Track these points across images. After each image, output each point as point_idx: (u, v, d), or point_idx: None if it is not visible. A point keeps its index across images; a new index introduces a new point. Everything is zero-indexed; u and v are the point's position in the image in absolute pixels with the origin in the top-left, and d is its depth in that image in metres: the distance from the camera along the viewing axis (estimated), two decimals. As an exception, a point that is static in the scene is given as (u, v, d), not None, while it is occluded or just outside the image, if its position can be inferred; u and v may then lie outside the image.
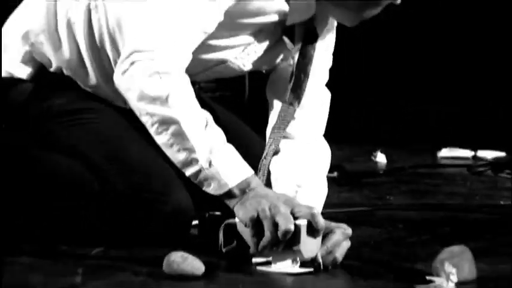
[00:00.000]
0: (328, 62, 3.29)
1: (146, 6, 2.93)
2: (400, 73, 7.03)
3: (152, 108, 2.81)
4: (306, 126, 3.18)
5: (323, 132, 3.23)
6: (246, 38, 3.06)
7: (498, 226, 3.49)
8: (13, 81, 3.22)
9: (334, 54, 3.31)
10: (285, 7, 3.02)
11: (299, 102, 3.12)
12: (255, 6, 2.94)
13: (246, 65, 3.17)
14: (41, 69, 3.19)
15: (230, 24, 2.96)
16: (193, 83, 2.93)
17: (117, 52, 3.06)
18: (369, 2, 2.98)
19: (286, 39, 3.08)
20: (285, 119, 3.12)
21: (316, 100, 3.22)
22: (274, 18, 3.03)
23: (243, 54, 3.11)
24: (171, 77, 2.83)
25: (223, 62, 3.08)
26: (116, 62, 3.03)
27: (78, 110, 3.13)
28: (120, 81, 2.86)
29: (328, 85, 3.28)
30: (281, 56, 3.21)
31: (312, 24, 3.09)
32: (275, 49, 3.16)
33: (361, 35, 4.48)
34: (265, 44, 3.12)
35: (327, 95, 3.26)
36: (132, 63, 2.83)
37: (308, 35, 3.10)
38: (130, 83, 2.84)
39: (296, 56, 3.13)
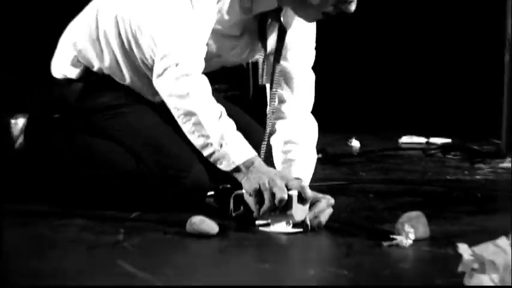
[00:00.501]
0: (310, 48, 3.21)
1: (162, 17, 2.94)
2: (370, 73, 7.00)
3: (178, 103, 2.85)
4: (295, 106, 3.16)
5: (311, 109, 3.19)
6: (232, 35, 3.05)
7: (446, 196, 3.48)
8: (66, 81, 3.22)
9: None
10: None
11: (272, 85, 3.11)
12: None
13: (236, 57, 3.17)
14: (86, 70, 3.18)
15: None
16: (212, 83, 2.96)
17: (142, 52, 3.07)
18: (312, 17, 2.97)
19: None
20: (272, 106, 3.12)
21: (303, 82, 3.18)
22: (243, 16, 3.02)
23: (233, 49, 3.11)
24: (191, 78, 2.85)
25: (218, 55, 3.07)
26: (142, 61, 3.09)
27: (117, 105, 3.14)
28: (156, 83, 2.90)
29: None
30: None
31: (279, 19, 3.05)
32: (255, 44, 3.13)
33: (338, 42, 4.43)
34: (247, 40, 3.10)
35: (312, 76, 3.21)
36: (164, 69, 2.86)
37: (279, 30, 3.07)
38: (163, 85, 2.88)
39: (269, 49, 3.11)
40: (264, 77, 3.10)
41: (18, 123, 3.25)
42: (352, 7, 2.86)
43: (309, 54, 3.21)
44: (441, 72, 6.86)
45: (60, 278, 2.23)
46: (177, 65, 2.85)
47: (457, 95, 6.48)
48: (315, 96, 3.24)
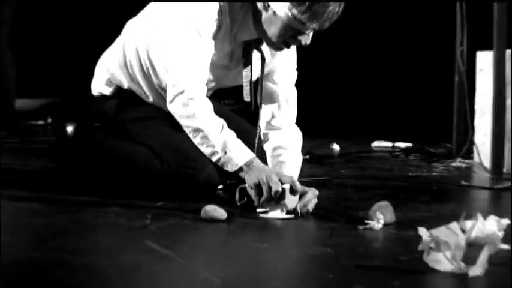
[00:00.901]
0: (292, 70, 3.18)
1: (172, 55, 2.94)
2: (347, 89, 7.00)
3: (187, 123, 2.87)
4: (282, 119, 3.15)
5: (295, 120, 3.18)
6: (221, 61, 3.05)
7: (408, 189, 3.48)
8: (102, 97, 3.23)
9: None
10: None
11: (261, 103, 3.12)
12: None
13: (228, 81, 3.18)
14: (117, 88, 3.19)
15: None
16: (218, 100, 2.96)
17: (159, 78, 3.08)
18: (277, 48, 2.96)
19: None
20: (262, 119, 3.14)
21: (288, 99, 3.17)
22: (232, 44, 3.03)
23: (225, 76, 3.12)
24: (196, 102, 2.86)
25: (214, 82, 3.07)
26: (159, 85, 3.10)
27: (145, 118, 3.14)
28: (169, 107, 2.92)
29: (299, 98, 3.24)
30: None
31: (260, 48, 3.04)
32: (242, 70, 3.10)
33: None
34: (235, 67, 3.10)
35: (295, 93, 3.18)
36: (174, 97, 2.88)
37: (261, 58, 3.07)
38: (174, 109, 2.90)
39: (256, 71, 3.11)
40: (247, 94, 3.10)
41: (68, 130, 3.26)
42: (308, 41, 2.86)
43: (291, 75, 3.19)
44: (406, 89, 6.84)
45: (98, 253, 2.24)
46: (183, 92, 2.86)
47: (418, 108, 6.47)
48: (304, 108, 3.24)
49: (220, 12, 2.90)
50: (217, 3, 2.89)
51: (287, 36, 2.86)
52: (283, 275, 2.13)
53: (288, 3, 2.76)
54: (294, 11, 2.76)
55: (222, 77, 3.08)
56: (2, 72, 5.54)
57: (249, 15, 2.94)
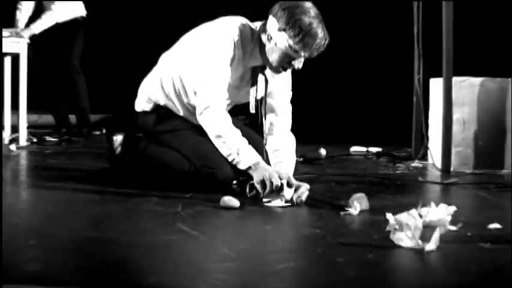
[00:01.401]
0: (288, 89, 3.15)
1: (199, 79, 2.93)
2: (332, 105, 6.99)
3: (211, 131, 2.88)
4: (280, 127, 3.12)
5: (290, 128, 3.14)
6: (236, 82, 3.02)
7: (378, 184, 3.46)
8: (143, 113, 3.22)
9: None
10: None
11: (265, 115, 3.10)
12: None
13: (239, 99, 3.13)
14: (155, 105, 3.17)
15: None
16: (234, 115, 2.95)
17: (188, 98, 3.06)
18: (277, 71, 2.96)
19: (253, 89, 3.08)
20: (266, 127, 3.12)
21: (284, 112, 3.14)
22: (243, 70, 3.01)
23: (237, 95, 3.09)
24: (218, 114, 2.88)
25: (229, 99, 3.05)
26: (188, 103, 3.08)
27: (177, 129, 3.11)
28: (198, 119, 2.92)
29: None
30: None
31: (264, 72, 3.02)
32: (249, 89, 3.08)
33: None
34: (245, 87, 3.07)
35: (290, 107, 3.15)
36: (201, 111, 2.89)
37: (265, 80, 3.05)
38: (202, 121, 2.91)
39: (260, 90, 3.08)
40: (252, 107, 3.09)
41: (118, 139, 3.24)
42: (300, 65, 2.89)
43: (287, 94, 3.16)
44: (377, 107, 6.82)
45: (140, 233, 2.23)
46: (209, 107, 2.87)
47: (386, 121, 6.45)
48: (298, 119, 3.22)
49: (235, 46, 2.92)
50: (233, 39, 2.91)
51: (284, 62, 2.89)
52: (283, 249, 2.12)
53: (285, 37, 2.81)
54: (290, 42, 2.81)
55: (235, 95, 3.06)
56: (79, 93, 5.54)
57: (256, 46, 2.95)
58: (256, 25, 2.99)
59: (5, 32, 5.04)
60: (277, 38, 2.84)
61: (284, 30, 2.81)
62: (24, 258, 1.87)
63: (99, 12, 6.53)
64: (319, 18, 2.82)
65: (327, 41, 2.83)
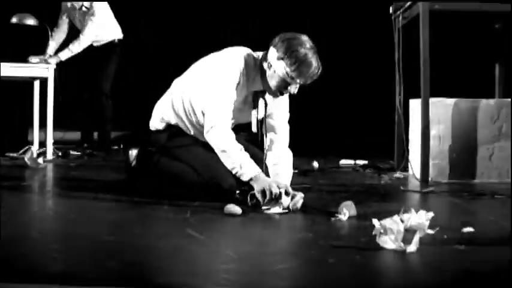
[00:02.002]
0: (286, 110, 3.14)
1: (208, 101, 2.92)
2: (324, 123, 6.98)
3: (217, 146, 2.86)
4: (279, 144, 3.10)
5: (287, 145, 3.13)
6: (239, 105, 3.01)
7: (365, 192, 3.45)
8: (157, 131, 3.20)
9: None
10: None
11: (265, 133, 3.08)
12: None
13: (242, 119, 3.10)
14: (167, 124, 3.16)
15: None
16: (237, 132, 2.94)
17: (197, 119, 3.05)
18: (275, 95, 2.96)
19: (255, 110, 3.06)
20: (266, 144, 3.10)
21: (283, 131, 3.12)
22: (246, 93, 3.00)
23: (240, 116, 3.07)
24: (223, 132, 2.87)
25: (233, 119, 3.04)
26: (197, 123, 3.06)
27: (187, 144, 3.09)
28: (206, 136, 2.90)
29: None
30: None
31: (264, 96, 3.02)
32: (251, 111, 3.08)
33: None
34: (247, 109, 3.05)
35: (287, 127, 3.14)
36: (208, 129, 2.88)
37: (264, 103, 3.04)
38: (209, 137, 2.89)
39: (260, 111, 3.08)
40: (254, 126, 3.08)
41: (133, 153, 3.24)
42: (295, 90, 2.89)
43: (285, 115, 3.14)
44: (363, 125, 6.81)
45: (154, 237, 2.22)
46: (215, 126, 2.86)
47: (371, 137, 6.43)
48: (294, 137, 3.21)
49: (241, 73, 2.92)
50: (239, 67, 2.92)
51: (281, 87, 2.90)
52: (280, 251, 2.11)
53: (283, 65, 2.82)
54: (287, 70, 2.82)
55: (238, 116, 3.05)
56: (106, 117, 5.44)
57: (258, 73, 2.96)
58: (259, 54, 3.00)
59: (35, 59, 5.05)
60: (276, 66, 2.85)
61: (282, 59, 2.82)
62: (49, 260, 1.86)
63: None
64: (314, 50, 2.84)
65: (319, 71, 2.85)
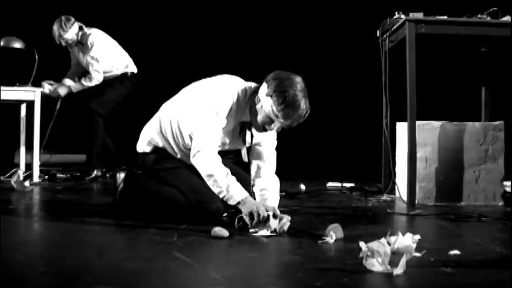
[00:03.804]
0: (273, 139, 3.16)
1: (197, 125, 2.93)
2: (311, 147, 6.99)
3: (203, 171, 2.87)
4: (266, 170, 3.12)
5: (274, 171, 3.15)
6: (227, 133, 3.03)
7: (352, 215, 3.45)
8: (144, 154, 3.21)
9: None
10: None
11: (251, 159, 3.11)
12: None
13: (229, 147, 3.12)
14: (154, 147, 3.17)
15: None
16: (223, 156, 2.95)
17: (184, 142, 3.06)
18: (259, 130, 2.98)
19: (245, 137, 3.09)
20: (252, 170, 3.13)
21: (270, 157, 3.14)
22: (235, 123, 3.02)
23: (227, 143, 3.08)
24: (209, 157, 2.87)
25: (223, 144, 3.06)
26: (184, 146, 3.07)
27: (174, 168, 3.10)
28: (192, 161, 2.90)
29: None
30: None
31: (250, 128, 3.05)
32: (239, 140, 3.11)
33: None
34: (234, 139, 3.08)
35: (275, 153, 3.17)
36: (194, 153, 2.88)
37: (251, 133, 3.07)
38: (195, 162, 2.89)
39: (248, 141, 3.10)
40: (245, 156, 3.10)
41: (121, 176, 3.24)
42: (278, 129, 2.94)
43: (272, 143, 3.17)
44: (350, 148, 6.83)
45: (140, 260, 2.21)
46: (201, 150, 2.86)
47: (358, 160, 6.46)
48: (281, 162, 3.23)
49: (233, 101, 2.94)
50: (232, 94, 2.94)
51: (266, 123, 2.91)
52: (267, 274, 2.12)
53: (270, 102, 2.84)
54: (274, 108, 2.84)
55: (225, 144, 3.07)
56: (91, 132, 5.33)
57: (248, 104, 2.98)
58: (250, 85, 3.02)
59: (48, 85, 5.08)
60: (264, 102, 2.87)
61: (271, 96, 2.84)
62: (35, 284, 1.86)
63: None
64: (304, 93, 2.84)
65: (307, 114, 2.86)
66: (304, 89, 2.85)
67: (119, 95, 5.40)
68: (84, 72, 5.37)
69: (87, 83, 5.22)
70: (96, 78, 5.22)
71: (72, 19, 5.16)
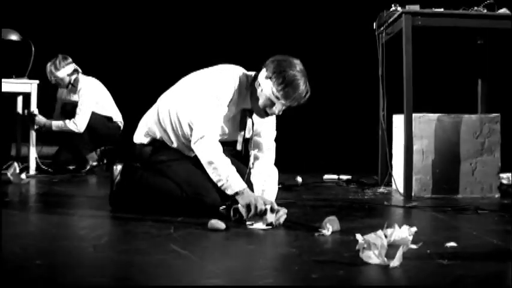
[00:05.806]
0: (272, 129, 3.16)
1: (199, 112, 2.91)
2: (308, 140, 6.99)
3: (204, 157, 2.85)
4: (264, 161, 3.12)
5: (273, 162, 3.14)
6: (228, 121, 3.03)
7: (349, 207, 3.45)
8: (141, 145, 3.20)
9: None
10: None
11: (250, 151, 3.10)
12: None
13: (229, 136, 3.10)
14: (152, 139, 3.17)
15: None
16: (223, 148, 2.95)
17: (183, 131, 3.05)
18: (261, 115, 2.96)
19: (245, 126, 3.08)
20: (251, 162, 3.12)
21: (269, 148, 3.14)
22: (236, 110, 3.02)
23: (227, 132, 3.08)
24: (211, 144, 2.85)
25: (223, 133, 3.05)
26: (183, 136, 3.07)
27: (170, 159, 3.10)
28: (193, 147, 2.89)
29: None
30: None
31: (251, 115, 3.04)
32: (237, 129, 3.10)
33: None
34: (234, 127, 3.07)
35: (273, 144, 3.16)
36: (196, 139, 2.86)
37: (252, 122, 3.06)
38: (196, 148, 2.87)
39: (247, 130, 3.09)
40: (239, 144, 3.09)
41: (117, 168, 3.23)
42: (280, 111, 2.90)
43: (272, 133, 3.17)
44: (347, 139, 6.83)
45: (137, 252, 2.21)
46: (203, 137, 2.85)
47: (355, 151, 6.45)
48: (279, 154, 3.23)
49: (234, 89, 2.94)
50: (233, 82, 2.94)
51: (267, 106, 2.90)
52: (264, 267, 2.11)
53: (270, 84, 2.84)
54: (273, 89, 2.84)
55: (225, 133, 3.06)
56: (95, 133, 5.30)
57: (248, 92, 2.98)
58: (252, 73, 3.02)
59: (34, 109, 4.94)
60: (263, 85, 2.87)
61: (270, 78, 2.84)
62: (32, 276, 1.85)
63: (105, 50, 6.54)
64: (303, 74, 2.85)
65: (307, 94, 2.86)
66: (303, 70, 2.86)
67: (100, 134, 5.25)
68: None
69: (69, 126, 5.05)
70: (80, 125, 5.06)
71: (69, 59, 5.10)
